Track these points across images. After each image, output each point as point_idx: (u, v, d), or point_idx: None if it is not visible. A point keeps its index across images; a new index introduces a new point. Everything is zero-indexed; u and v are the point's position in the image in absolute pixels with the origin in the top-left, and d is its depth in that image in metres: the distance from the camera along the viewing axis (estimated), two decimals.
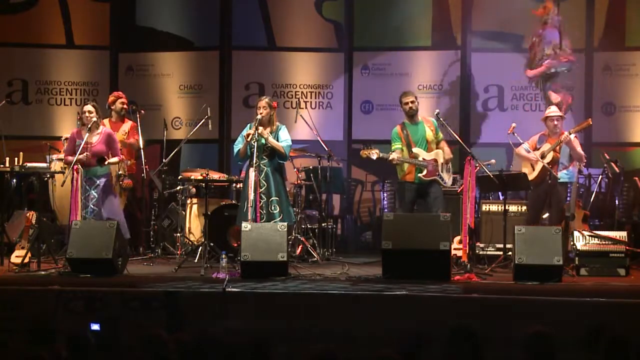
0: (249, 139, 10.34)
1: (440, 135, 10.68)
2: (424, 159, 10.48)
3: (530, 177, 10.80)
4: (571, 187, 11.02)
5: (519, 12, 13.40)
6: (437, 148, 10.63)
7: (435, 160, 10.51)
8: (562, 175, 10.84)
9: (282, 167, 10.75)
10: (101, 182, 10.42)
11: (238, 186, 11.59)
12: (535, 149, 10.92)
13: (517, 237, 9.50)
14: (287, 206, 10.67)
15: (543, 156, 10.79)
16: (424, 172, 10.45)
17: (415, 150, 10.53)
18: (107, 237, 9.59)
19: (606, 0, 13.70)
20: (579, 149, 10.93)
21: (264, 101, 10.62)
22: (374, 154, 10.50)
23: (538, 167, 10.81)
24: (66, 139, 11.98)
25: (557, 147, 10.77)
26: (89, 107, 10.53)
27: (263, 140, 10.41)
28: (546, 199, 10.83)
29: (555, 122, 10.94)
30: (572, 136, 10.91)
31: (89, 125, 10.43)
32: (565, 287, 9.10)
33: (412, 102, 10.65)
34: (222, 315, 8.41)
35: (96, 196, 10.37)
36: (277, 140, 10.51)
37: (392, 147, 10.67)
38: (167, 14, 14.43)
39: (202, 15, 14.42)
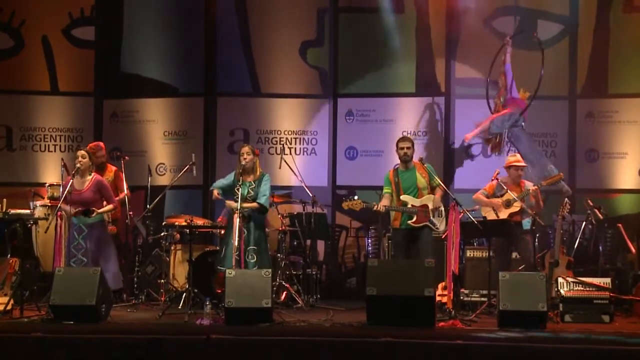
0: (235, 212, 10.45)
1: (436, 181, 10.66)
2: (412, 205, 10.54)
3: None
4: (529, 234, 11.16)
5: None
6: (431, 194, 10.66)
7: (426, 206, 10.54)
8: (525, 223, 11.01)
9: (264, 216, 10.85)
10: (94, 232, 10.45)
11: (222, 232, 11.55)
12: (494, 195, 11.06)
13: (501, 283, 9.48)
14: (266, 256, 10.76)
15: (509, 204, 10.98)
16: (414, 219, 10.52)
17: (403, 197, 10.60)
18: (91, 283, 9.52)
19: (589, 47, 13.87)
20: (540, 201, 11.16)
21: (246, 148, 10.78)
22: (357, 205, 10.55)
23: (503, 215, 10.96)
24: (50, 185, 12.04)
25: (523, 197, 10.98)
26: (82, 152, 10.57)
27: (245, 192, 10.56)
28: (510, 245, 10.99)
29: (520, 172, 11.19)
30: (531, 185, 11.14)
31: (73, 172, 10.44)
32: (550, 334, 9.07)
33: (408, 148, 10.71)
34: None
35: (85, 246, 10.39)
36: (260, 188, 10.65)
37: (383, 191, 10.80)
38: (152, 61, 14.51)
39: (186, 62, 14.53)
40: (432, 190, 10.66)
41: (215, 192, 10.72)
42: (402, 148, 10.75)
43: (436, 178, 10.65)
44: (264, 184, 10.72)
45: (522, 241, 10.96)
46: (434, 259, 9.85)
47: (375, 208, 10.58)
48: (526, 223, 11.05)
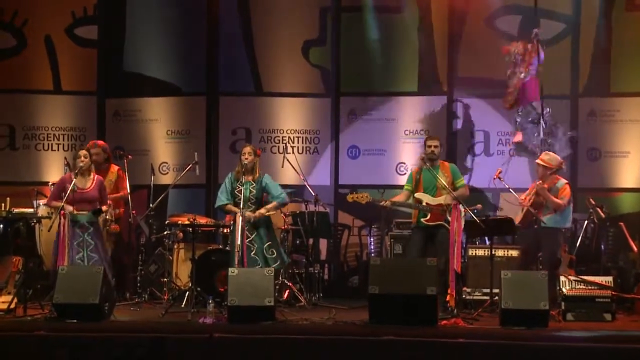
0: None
1: (461, 182, 10.78)
2: (427, 203, 10.61)
3: (516, 220, 10.92)
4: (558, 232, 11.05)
5: (504, 58, 13.39)
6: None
7: (441, 205, 10.60)
8: (547, 219, 10.81)
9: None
10: (96, 230, 10.54)
11: (225, 231, 11.67)
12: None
13: (503, 281, 9.51)
14: (279, 248, 10.83)
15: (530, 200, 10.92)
16: (427, 217, 10.61)
17: (417, 195, 10.70)
18: (94, 282, 9.57)
19: (591, 46, 13.87)
20: (554, 198, 10.87)
21: (249, 148, 10.82)
22: (364, 199, 10.60)
23: (522, 211, 10.94)
24: (53, 184, 12.03)
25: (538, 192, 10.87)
26: (84, 152, 10.65)
27: (248, 193, 10.58)
28: (535, 242, 10.89)
29: (538, 169, 11.10)
30: (563, 182, 11.04)
31: (76, 171, 10.48)
32: (552, 332, 9.14)
33: (436, 146, 10.83)
34: None
35: (92, 243, 10.45)
36: (266, 190, 10.71)
37: (404, 188, 10.93)
38: (154, 60, 14.51)
39: (189, 61, 14.54)
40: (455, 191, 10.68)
41: (233, 207, 10.70)
42: (430, 146, 10.86)
43: (461, 178, 10.82)
44: (270, 183, 10.78)
45: (544, 238, 10.82)
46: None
47: (382, 203, 10.66)
48: (547, 220, 10.77)
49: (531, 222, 10.83)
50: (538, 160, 11.15)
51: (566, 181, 11.18)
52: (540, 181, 10.92)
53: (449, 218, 10.52)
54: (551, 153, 11.38)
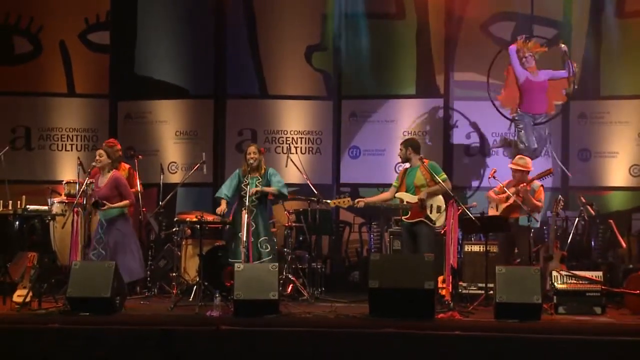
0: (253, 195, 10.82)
1: (442, 176, 10.73)
2: (407, 201, 10.71)
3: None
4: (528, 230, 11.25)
5: (499, 61, 13.81)
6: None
7: (419, 202, 10.64)
8: (522, 219, 11.07)
9: (269, 208, 11.19)
10: (113, 226, 10.68)
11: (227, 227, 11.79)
12: (503, 192, 11.23)
13: (498, 276, 9.71)
14: (274, 244, 11.11)
15: (507, 200, 11.13)
16: (408, 215, 10.70)
17: (397, 194, 10.82)
18: (106, 276, 9.74)
19: (582, 51, 14.01)
20: (535, 200, 11.11)
21: (253, 147, 11.14)
22: (345, 203, 10.80)
23: (500, 209, 11.19)
24: (67, 182, 12.32)
25: (519, 193, 11.08)
26: (100, 151, 10.85)
27: (254, 186, 10.84)
28: (513, 239, 11.14)
29: (515, 174, 11.32)
30: (538, 184, 11.26)
31: (89, 170, 10.76)
32: (544, 325, 9.38)
33: (400, 150, 10.94)
34: (216, 352, 8.64)
35: (105, 240, 10.65)
36: (270, 184, 10.95)
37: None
38: (164, 64, 14.71)
39: (197, 65, 14.71)
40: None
41: (223, 205, 11.00)
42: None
43: (436, 176, 10.71)
44: (275, 176, 11.05)
45: (520, 236, 11.10)
46: (432, 253, 10.02)
47: (356, 204, 10.82)
48: (522, 219, 11.03)
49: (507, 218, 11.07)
50: (513, 166, 11.30)
51: (541, 183, 11.38)
52: (524, 184, 11.12)
53: (430, 215, 10.66)
54: (525, 157, 11.59)
